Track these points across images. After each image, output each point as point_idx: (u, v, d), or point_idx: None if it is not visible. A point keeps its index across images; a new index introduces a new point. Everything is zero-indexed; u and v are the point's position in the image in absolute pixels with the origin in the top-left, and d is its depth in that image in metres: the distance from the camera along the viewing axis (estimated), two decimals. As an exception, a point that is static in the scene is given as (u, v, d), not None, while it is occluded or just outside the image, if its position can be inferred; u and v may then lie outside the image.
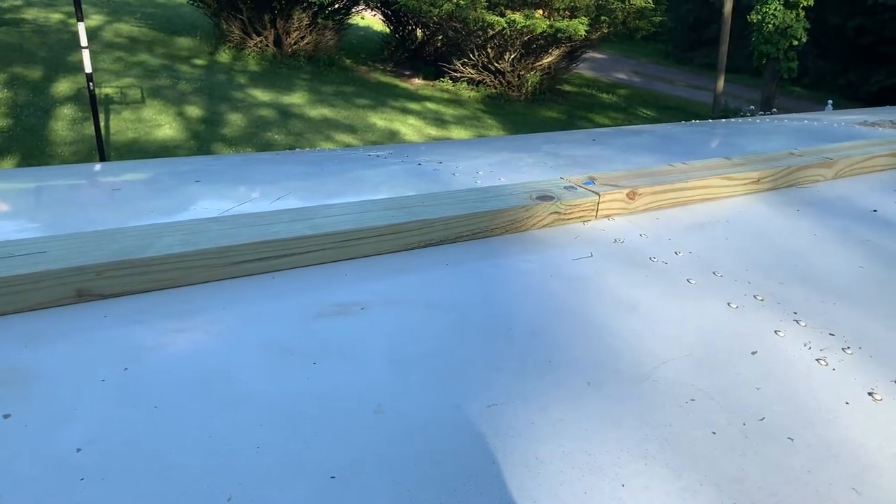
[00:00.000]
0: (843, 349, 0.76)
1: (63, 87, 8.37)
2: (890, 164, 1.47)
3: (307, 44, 11.76)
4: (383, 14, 13.50)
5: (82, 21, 5.44)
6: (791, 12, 12.24)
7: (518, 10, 10.94)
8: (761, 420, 0.64)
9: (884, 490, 0.57)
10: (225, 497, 0.50)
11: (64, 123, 7.40)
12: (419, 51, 13.28)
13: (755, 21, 12.54)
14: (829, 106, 9.70)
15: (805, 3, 12.17)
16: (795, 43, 12.45)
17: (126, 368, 0.63)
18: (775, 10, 12.21)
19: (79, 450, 0.53)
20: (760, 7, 12.41)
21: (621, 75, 17.71)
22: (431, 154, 1.48)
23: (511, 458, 0.56)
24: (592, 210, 1.05)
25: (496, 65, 11.83)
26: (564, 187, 1.06)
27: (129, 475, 0.51)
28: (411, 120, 9.86)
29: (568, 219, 1.03)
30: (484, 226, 0.96)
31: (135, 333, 0.68)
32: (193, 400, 0.59)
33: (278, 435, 0.56)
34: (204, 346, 0.67)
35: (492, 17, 10.63)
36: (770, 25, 12.32)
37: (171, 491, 0.50)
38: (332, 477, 0.52)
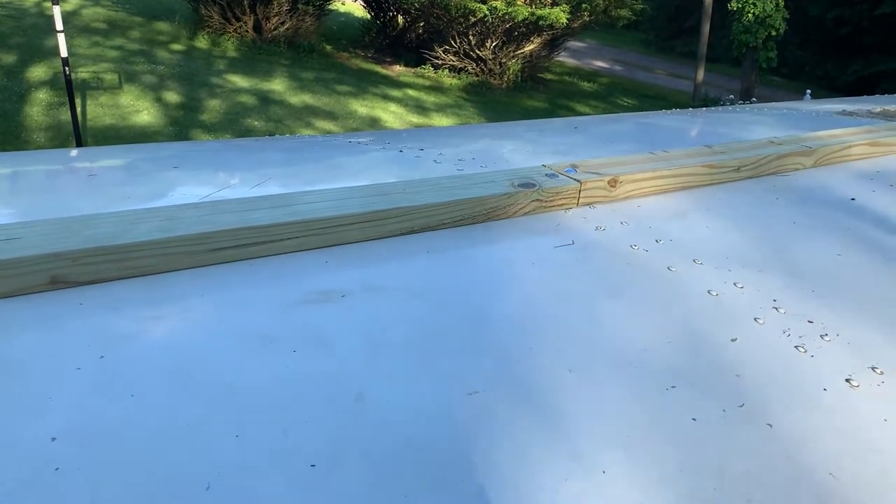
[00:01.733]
0: (821, 336, 0.77)
1: (38, 71, 8.23)
2: (868, 152, 1.48)
3: (287, 29, 11.64)
4: (364, 0, 13.40)
5: (57, 4, 5.34)
6: (771, 2, 12.32)
7: (500, -2, 10.92)
8: (741, 406, 0.64)
9: (861, 475, 0.58)
10: (204, 486, 0.49)
11: (39, 109, 7.28)
12: (400, 37, 13.21)
13: (735, 9, 12.62)
14: (808, 95, 9.78)
15: (784, -7, 12.25)
16: (774, 33, 12.55)
17: (102, 356, 0.62)
18: (755, -1, 12.28)
19: (53, 439, 0.52)
20: (741, -4, 12.48)
21: (602, 64, 17.74)
22: (413, 141, 1.47)
23: (492, 446, 0.56)
24: (574, 198, 1.05)
25: (478, 52, 11.79)
26: (546, 175, 1.06)
27: (105, 465, 0.50)
28: (392, 107, 9.82)
29: (549, 206, 1.03)
30: (465, 213, 0.95)
31: (111, 321, 0.67)
32: (171, 388, 0.59)
33: (258, 423, 0.56)
34: (182, 334, 0.66)
35: (473, 4, 10.59)
36: (750, 15, 12.39)
37: (148, 480, 0.49)
38: (312, 465, 0.52)
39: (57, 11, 5.32)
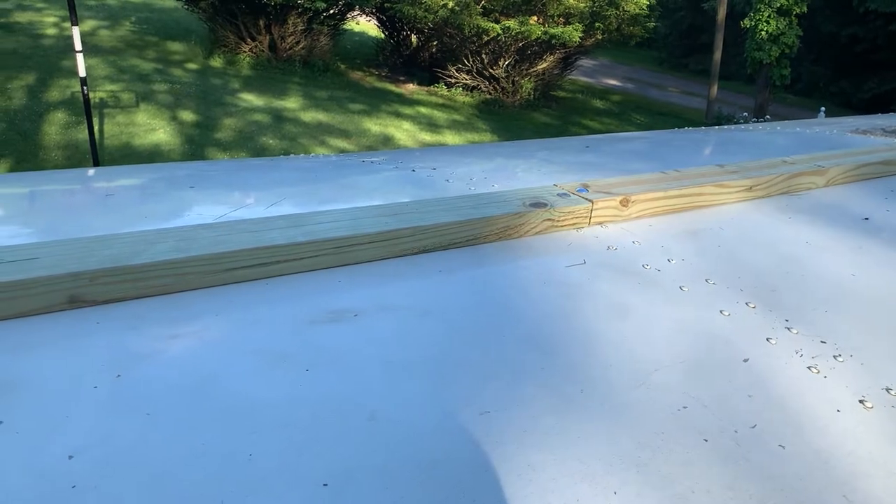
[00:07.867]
0: (834, 357, 0.77)
1: (57, 91, 8.35)
2: (882, 171, 1.47)
3: (302, 49, 11.76)
4: (378, 20, 13.53)
5: (76, 25, 5.43)
6: (784, 19, 12.33)
7: (513, 17, 10.99)
8: (753, 427, 0.64)
9: (874, 497, 0.57)
10: (217, 505, 0.50)
11: (57, 128, 7.38)
12: (414, 56, 13.30)
13: (748, 27, 12.63)
14: (822, 113, 9.76)
15: (798, 11, 12.26)
16: (787, 50, 12.55)
17: (118, 375, 0.63)
18: (768, 17, 12.30)
19: (70, 457, 0.53)
20: (753, 14, 12.50)
21: (615, 81, 17.77)
22: (425, 160, 1.48)
23: (503, 466, 0.56)
24: (585, 217, 1.06)
25: (491, 71, 11.86)
26: (558, 194, 1.07)
27: (120, 483, 0.51)
28: (405, 125, 9.87)
29: (561, 226, 1.04)
30: (477, 232, 0.96)
31: (127, 340, 0.68)
32: (186, 407, 0.59)
33: (271, 442, 0.56)
34: (197, 353, 0.67)
35: (487, 24, 10.67)
36: (763, 32, 12.40)
37: (162, 499, 0.50)
38: (325, 485, 0.52)
39: (76, 32, 5.41)
